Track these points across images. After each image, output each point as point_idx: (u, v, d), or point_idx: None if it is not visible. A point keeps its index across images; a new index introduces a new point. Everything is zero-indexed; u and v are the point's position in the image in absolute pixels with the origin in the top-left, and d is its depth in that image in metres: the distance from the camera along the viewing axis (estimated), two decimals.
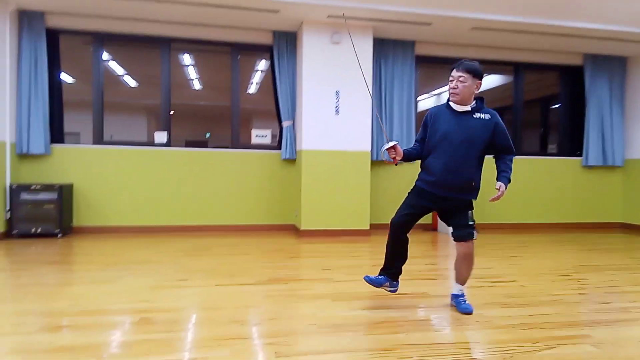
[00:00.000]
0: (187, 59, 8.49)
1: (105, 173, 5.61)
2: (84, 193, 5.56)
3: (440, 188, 2.71)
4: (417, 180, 2.84)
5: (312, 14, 5.29)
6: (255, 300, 3.01)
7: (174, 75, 6.09)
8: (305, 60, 5.55)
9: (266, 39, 5.93)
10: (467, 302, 2.84)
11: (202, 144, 11.61)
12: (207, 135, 13.76)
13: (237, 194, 5.98)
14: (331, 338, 2.36)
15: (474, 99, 2.72)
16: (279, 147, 6.14)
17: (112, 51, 7.57)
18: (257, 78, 9.51)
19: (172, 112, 2.03)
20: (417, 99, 6.51)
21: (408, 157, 2.84)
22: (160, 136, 5.87)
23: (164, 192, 5.78)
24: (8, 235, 5.08)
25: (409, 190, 2.87)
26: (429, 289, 3.38)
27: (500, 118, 2.74)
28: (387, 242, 2.88)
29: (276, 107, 6.08)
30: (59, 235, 5.15)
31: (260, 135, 6.27)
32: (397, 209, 2.84)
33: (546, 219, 6.82)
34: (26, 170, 5.40)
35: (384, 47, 6.09)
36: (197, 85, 10.80)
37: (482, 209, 6.49)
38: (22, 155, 5.36)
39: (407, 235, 2.84)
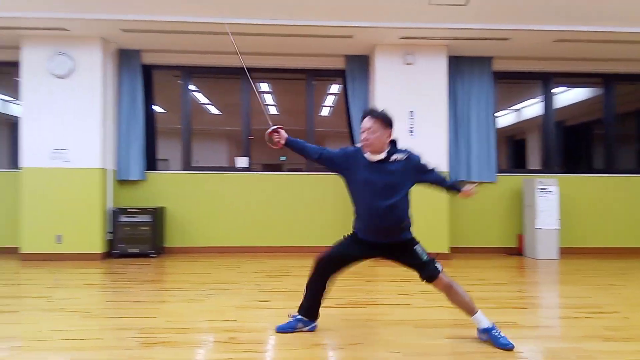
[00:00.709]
0: (264, 86, 8.91)
1: (192, 196, 5.99)
2: (174, 215, 5.97)
3: (372, 234, 2.67)
4: (353, 227, 2.80)
5: (384, 37, 5.35)
6: (335, 324, 3.02)
7: (252, 102, 6.40)
8: (378, 82, 5.60)
9: (339, 64, 6.07)
10: (503, 335, 2.57)
11: (277, 166, 12.04)
12: (282, 158, 14.19)
13: (312, 216, 6.08)
14: None
15: (391, 142, 2.65)
16: None
17: (197, 83, 8.16)
18: (329, 101, 9.72)
19: (251, 137, 2.16)
20: (496, 117, 6.27)
21: (294, 144, 2.79)
22: (242, 161, 6.16)
23: (245, 215, 6.03)
24: (109, 255, 5.56)
25: (346, 234, 2.83)
26: (518, 319, 3.18)
27: (414, 154, 2.69)
28: (308, 280, 2.81)
29: (349, 130, 6.16)
30: (153, 255, 5.55)
31: None
32: (328, 249, 2.80)
33: None
34: (124, 195, 5.92)
35: (459, 65, 5.97)
36: (273, 110, 11.25)
37: (575, 233, 6.03)
38: (121, 181, 5.89)
39: (331, 277, 2.77)
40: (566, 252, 5.83)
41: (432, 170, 2.73)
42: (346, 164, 2.71)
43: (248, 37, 5.32)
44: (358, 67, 5.97)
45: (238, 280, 4.36)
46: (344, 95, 6.20)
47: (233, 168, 6.17)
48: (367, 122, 2.57)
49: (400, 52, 5.57)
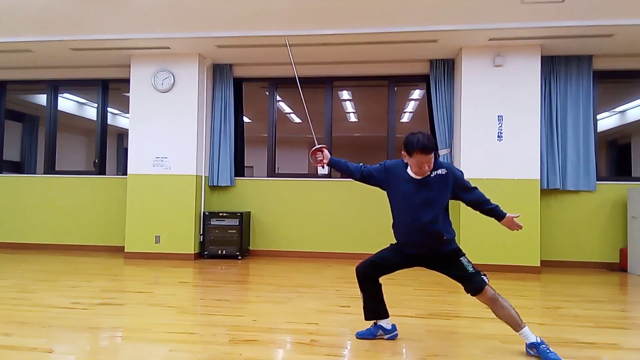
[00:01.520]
0: (345, 94, 9.04)
1: (276, 202, 6.24)
2: (259, 220, 6.26)
3: (413, 248, 2.67)
4: (396, 238, 2.79)
5: (471, 39, 5.19)
6: (416, 334, 2.98)
7: (334, 110, 6.52)
8: (465, 85, 5.43)
9: (423, 69, 5.99)
10: (552, 351, 2.44)
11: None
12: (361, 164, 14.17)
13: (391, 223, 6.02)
14: None
15: None
16: None
17: (281, 93, 8.49)
18: (410, 107, 9.60)
19: (318, 146, 2.19)
20: (597, 119, 5.77)
21: (337, 164, 2.84)
22: (322, 168, 6.29)
23: (325, 220, 6.16)
24: (200, 255, 5.97)
25: (394, 244, 2.80)
26: (620, 340, 2.91)
27: (455, 168, 2.67)
28: (359, 285, 2.82)
29: (432, 135, 6.03)
30: (239, 257, 5.86)
31: None
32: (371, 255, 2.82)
33: None
34: (215, 199, 6.33)
35: (554, 65, 5.60)
36: (353, 118, 11.36)
37: None
38: (213, 187, 6.30)
39: (376, 281, 2.79)
40: None
41: (474, 189, 2.68)
42: (387, 179, 2.74)
43: (331, 47, 5.44)
44: (443, 71, 5.84)
45: (319, 285, 4.46)
46: (427, 100, 6.09)
47: (314, 175, 6.33)
48: (428, 154, 2.49)
49: (489, 54, 5.36)
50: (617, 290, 4.51)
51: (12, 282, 4.34)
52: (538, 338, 2.53)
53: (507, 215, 2.66)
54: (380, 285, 2.83)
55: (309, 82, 6.46)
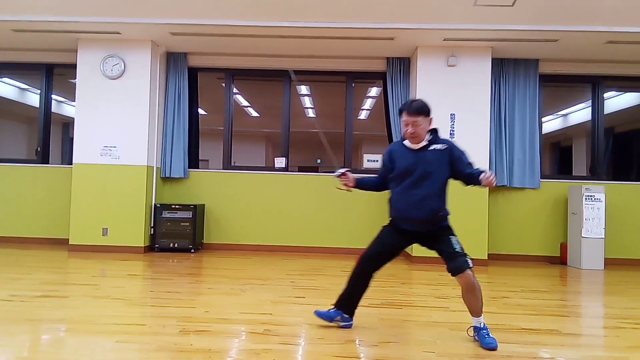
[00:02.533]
0: (303, 89, 9.03)
1: (232, 195, 6.14)
2: (213, 213, 6.13)
3: (408, 222, 2.70)
4: (390, 216, 2.81)
5: (427, 39, 5.31)
6: (369, 322, 3.02)
7: (292, 105, 6.49)
8: (420, 83, 5.56)
9: (380, 66, 6.07)
10: (491, 336, 2.56)
11: (313, 169, 12.12)
12: (318, 161, 14.28)
13: (347, 218, 6.09)
14: None
15: (429, 132, 2.69)
16: None
17: (238, 85, 8.37)
18: (367, 104, 9.73)
19: (343, 170, 2.21)
20: (542, 121, 6.08)
21: (362, 184, 2.92)
22: (280, 161, 6.26)
23: (280, 214, 6.12)
24: (151, 248, 5.78)
25: (384, 225, 2.82)
26: (560, 326, 3.07)
27: (457, 145, 2.70)
28: (351, 274, 2.83)
29: (388, 132, 6.14)
30: (192, 250, 5.72)
31: (372, 159, 6.36)
32: (369, 244, 2.81)
33: None
34: (167, 191, 6.14)
35: (504, 67, 5.84)
36: (311, 113, 11.38)
37: (622, 243, 5.77)
38: (165, 179, 6.11)
39: (372, 273, 2.81)
40: (612, 263, 5.58)
41: (471, 164, 2.69)
42: (392, 162, 2.78)
43: (289, 39, 5.41)
44: (399, 69, 5.96)
45: (273, 277, 4.43)
46: (384, 97, 6.19)
47: (271, 168, 6.28)
48: (412, 116, 2.61)
49: (443, 54, 5.52)
50: (558, 282, 4.77)
51: None
52: (483, 324, 2.61)
53: (482, 177, 2.55)
54: (368, 286, 2.84)
55: (267, 75, 6.40)
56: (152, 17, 4.99)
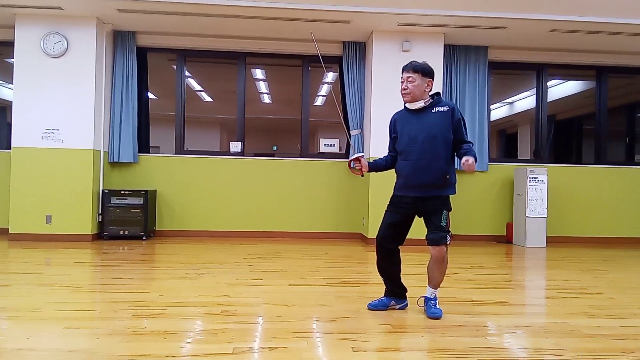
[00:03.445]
0: (259, 73, 8.89)
1: (185, 180, 5.98)
2: (166, 199, 5.95)
3: (414, 189, 2.66)
4: (394, 187, 2.80)
5: (382, 23, 5.36)
6: (328, 300, 3.05)
7: (247, 90, 6.38)
8: (375, 68, 5.61)
9: (336, 50, 6.07)
10: (437, 307, 2.70)
11: (270, 156, 12.03)
12: (274, 148, 14.20)
13: (305, 202, 6.10)
14: (407, 338, 2.35)
15: (430, 96, 2.70)
16: (346, 156, 6.21)
17: (190, 69, 8.11)
18: (324, 91, 9.73)
19: (356, 155, 2.14)
20: (490, 107, 6.31)
21: (375, 167, 2.86)
22: (235, 146, 6.15)
23: (237, 199, 6.04)
24: (99, 236, 5.54)
25: (388, 202, 2.81)
26: (507, 298, 3.24)
27: (459, 110, 2.69)
28: (376, 262, 2.83)
29: (344, 117, 6.17)
30: (144, 238, 5.53)
31: (329, 144, 6.38)
32: (379, 227, 2.79)
33: (634, 232, 6.27)
34: (116, 177, 5.89)
35: (455, 54, 6.00)
36: (266, 99, 11.24)
37: (562, 222, 6.14)
38: (113, 164, 5.85)
39: (397, 248, 2.80)
40: (553, 241, 5.93)
41: (463, 133, 2.65)
42: (396, 130, 2.77)
43: (244, 20, 5.29)
44: (355, 53, 5.98)
45: (230, 261, 4.38)
46: (340, 82, 6.20)
47: (226, 153, 6.16)
48: (406, 72, 2.66)
49: (398, 39, 5.59)
50: (504, 259, 5.02)
51: None
52: (434, 296, 2.72)
53: (468, 157, 2.55)
54: (398, 262, 2.82)
55: (221, 56, 6.24)
56: None
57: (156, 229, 5.92)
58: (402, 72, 2.70)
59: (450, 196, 2.70)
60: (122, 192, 5.53)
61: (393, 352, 2.16)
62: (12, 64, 5.36)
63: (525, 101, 8.83)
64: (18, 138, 5.31)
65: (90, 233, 5.36)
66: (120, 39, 5.78)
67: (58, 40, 5.30)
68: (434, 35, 5.61)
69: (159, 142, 8.46)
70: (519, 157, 9.55)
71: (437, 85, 5.64)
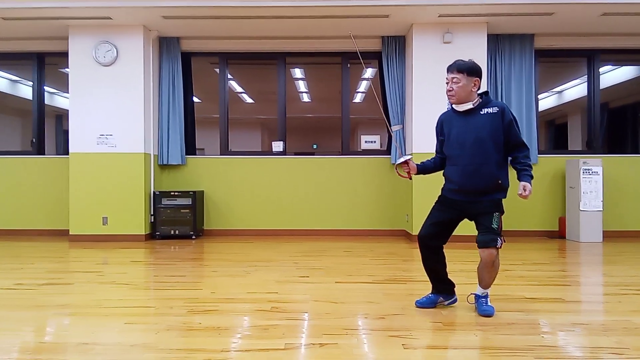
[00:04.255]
0: (298, 73, 8.96)
1: (230, 181, 6.13)
2: (212, 199, 6.13)
3: (465, 194, 2.57)
4: (442, 189, 2.72)
5: (422, 16, 5.27)
6: (375, 297, 3.05)
7: (286, 89, 6.45)
8: (416, 62, 5.53)
9: (375, 45, 6.03)
10: (489, 304, 2.61)
11: (310, 155, 12.08)
12: (314, 146, 14.26)
13: (347, 200, 6.11)
14: (459, 336, 2.31)
15: (479, 95, 2.57)
16: (388, 152, 6.16)
17: (231, 71, 8.28)
18: (362, 87, 9.68)
19: (404, 158, 2.12)
20: (538, 97, 6.07)
21: (424, 170, 2.78)
22: (277, 145, 6.24)
23: (280, 198, 6.13)
24: (152, 236, 5.78)
25: (436, 200, 2.73)
26: (563, 295, 3.12)
27: (510, 111, 2.54)
28: (422, 260, 2.77)
29: (384, 113, 6.12)
30: (193, 237, 5.72)
31: (370, 140, 6.35)
32: (423, 224, 2.72)
33: None
34: (165, 179, 6.12)
35: (499, 43, 5.82)
36: (306, 98, 11.31)
37: (619, 215, 5.83)
38: (162, 166, 6.08)
39: (441, 246, 2.71)
40: (610, 235, 5.64)
41: (520, 134, 2.55)
42: (444, 132, 2.67)
43: (283, 20, 5.35)
44: (394, 48, 5.92)
45: (276, 259, 4.45)
46: (380, 77, 6.16)
47: (268, 152, 6.26)
48: (451, 73, 2.55)
49: (439, 31, 5.48)
50: (557, 254, 4.82)
51: None
52: (486, 294, 2.63)
53: (524, 183, 2.50)
54: (442, 259, 2.74)
55: (261, 58, 6.34)
56: (142, 0, 4.91)
57: (204, 228, 6.10)
58: (447, 72, 2.57)
59: (502, 200, 2.59)
60: (172, 193, 5.74)
61: (445, 349, 2.13)
62: (66, 74, 5.67)
63: (575, 89, 8.42)
64: (75, 144, 5.62)
65: (144, 233, 5.60)
66: (165, 45, 5.99)
67: (108, 49, 5.56)
68: (476, 25, 5.46)
69: (203, 144, 8.71)
70: (569, 148, 9.12)
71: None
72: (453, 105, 2.62)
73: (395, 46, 5.92)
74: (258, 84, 9.94)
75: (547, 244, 5.42)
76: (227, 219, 6.13)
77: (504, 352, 2.07)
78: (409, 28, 5.63)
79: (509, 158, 2.60)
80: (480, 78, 2.57)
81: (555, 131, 10.33)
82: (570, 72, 8.05)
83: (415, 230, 5.46)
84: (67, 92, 5.67)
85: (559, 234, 5.86)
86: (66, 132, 5.77)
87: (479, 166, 2.50)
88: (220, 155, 6.24)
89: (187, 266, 4.19)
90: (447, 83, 2.57)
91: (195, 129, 6.44)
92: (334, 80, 6.69)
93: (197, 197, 5.76)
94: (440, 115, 2.76)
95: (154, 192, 5.76)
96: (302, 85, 10.02)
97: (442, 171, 2.75)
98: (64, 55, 5.78)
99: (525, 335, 2.28)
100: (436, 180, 5.40)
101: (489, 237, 2.51)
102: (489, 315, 2.56)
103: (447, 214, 2.65)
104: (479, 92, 2.59)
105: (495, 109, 2.52)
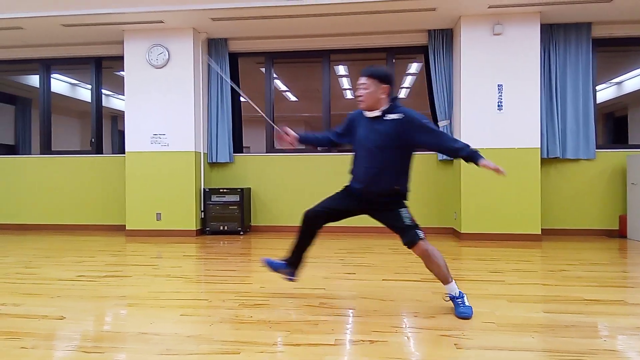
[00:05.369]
0: (341, 70, 8.95)
1: (276, 178, 6.22)
2: (259, 196, 6.25)
3: (368, 193, 2.66)
4: (350, 181, 2.80)
5: (471, 7, 5.12)
6: (424, 296, 3.01)
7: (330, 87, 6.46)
8: (464, 55, 5.38)
9: (421, 39, 5.92)
10: (466, 304, 2.53)
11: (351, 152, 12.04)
12: None
13: None
14: (514, 337, 2.24)
15: (391, 100, 2.59)
16: None
17: (276, 70, 8.39)
18: (407, 82, 9.54)
19: (280, 128, 2.18)
20: (596, 89, 5.75)
21: (306, 140, 2.92)
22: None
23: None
24: (202, 232, 5.97)
25: (342, 189, 2.83)
26: (626, 297, 2.95)
27: (417, 116, 2.53)
28: (298, 231, 2.84)
29: (431, 108, 6.01)
30: (241, 233, 5.86)
31: None
32: (321, 201, 2.83)
33: None
34: (214, 176, 6.30)
35: (553, 33, 5.56)
36: (349, 95, 11.28)
37: None
38: (212, 164, 6.27)
39: (317, 230, 2.82)
40: None
41: (437, 132, 2.53)
42: (352, 128, 2.75)
43: (328, 17, 5.36)
44: (441, 41, 5.78)
45: (322, 255, 4.48)
46: (426, 72, 6.05)
47: (313, 150, 6.30)
48: (361, 79, 2.58)
49: (488, 23, 5.31)
50: (618, 254, 4.57)
51: (15, 259, 4.33)
52: (459, 293, 2.58)
53: (483, 161, 2.45)
54: (313, 240, 2.87)
55: (306, 56, 6.38)
56: (192, 3, 5.07)
57: (251, 224, 6.23)
58: (360, 76, 2.62)
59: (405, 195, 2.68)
60: (221, 190, 5.91)
61: (500, 351, 2.07)
62: (120, 76, 5.95)
63: (635, 80, 7.92)
64: (130, 143, 5.89)
65: (195, 229, 5.80)
66: (214, 47, 6.15)
67: (161, 52, 5.78)
68: (529, 16, 5.25)
69: (249, 142, 8.88)
70: (630, 143, 8.59)
71: (535, 68, 5.27)
72: (365, 113, 2.65)
73: (442, 40, 5.79)
74: (302, 81, 10.02)
75: (606, 243, 5.14)
76: (273, 215, 6.24)
77: (563, 355, 1.99)
78: (457, 21, 5.49)
79: (442, 151, 2.60)
80: (392, 85, 2.58)
81: (614, 124, 9.76)
82: (630, 61, 7.58)
83: (464, 228, 5.35)
84: (121, 94, 5.95)
85: (619, 233, 5.54)
86: (120, 132, 6.05)
87: (380, 170, 2.57)
88: (266, 153, 6.35)
89: (237, 261, 4.30)
90: (357, 88, 2.61)
91: (242, 127, 6.58)
92: None
93: (244, 194, 5.90)
94: (351, 113, 2.80)
95: (203, 189, 5.95)
96: (345, 82, 10.01)
97: (326, 146, 2.97)
98: (119, 59, 6.07)
99: (585, 339, 2.18)
100: (486, 178, 5.25)
101: (410, 235, 2.58)
102: (467, 318, 2.48)
103: (346, 202, 2.76)
104: (391, 97, 2.60)
105: (399, 115, 2.53)
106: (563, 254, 4.49)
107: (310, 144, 2.98)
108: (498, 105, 5.29)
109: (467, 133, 5.36)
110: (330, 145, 2.92)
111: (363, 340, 2.19)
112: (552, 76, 5.55)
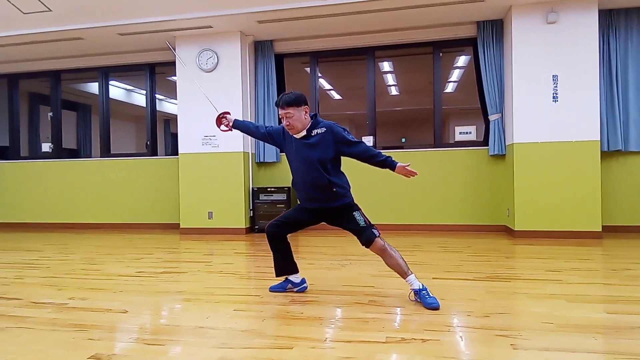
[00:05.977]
0: (386, 66, 8.87)
1: None
2: None
3: (311, 202, 2.83)
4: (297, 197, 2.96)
5: None
6: (477, 295, 2.93)
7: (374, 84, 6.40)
8: (516, 46, 5.19)
9: (469, 31, 5.77)
10: (431, 295, 2.64)
11: (398, 149, 11.90)
12: (403, 140, 14.01)
13: (441, 194, 5.93)
14: (575, 338, 2.14)
15: (311, 116, 2.78)
16: (485, 143, 5.86)
17: (320, 69, 8.43)
18: (454, 76, 9.30)
19: (221, 112, 2.20)
20: None
21: (238, 126, 3.10)
22: (368, 140, 6.23)
23: (371, 193, 6.12)
24: (251, 230, 6.11)
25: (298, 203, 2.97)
26: None
27: (339, 127, 2.75)
28: (269, 245, 2.99)
29: (481, 101, 5.83)
30: None
31: (464, 132, 6.09)
32: (281, 214, 3.01)
33: None
34: (262, 176, 6.43)
35: (613, 19, 5.25)
36: (394, 91, 11.15)
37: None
38: (259, 164, 6.40)
39: (284, 238, 2.95)
40: None
41: (357, 143, 2.76)
42: (282, 139, 2.91)
43: (372, 14, 5.33)
44: (491, 32, 5.60)
45: (370, 253, 4.38)
46: (475, 65, 5.88)
47: None
48: (284, 109, 2.70)
49: (541, 11, 5.09)
50: None
51: (80, 256, 4.61)
52: (421, 285, 2.68)
53: (398, 164, 2.76)
54: (289, 243, 2.98)
55: (350, 54, 6.37)
56: (239, 7, 5.20)
57: None
58: (279, 108, 2.74)
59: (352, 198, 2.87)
60: (269, 189, 6.02)
61: (560, 352, 1.98)
62: (172, 82, 6.18)
63: None
64: (183, 145, 6.12)
65: (244, 227, 5.95)
66: (260, 49, 6.28)
67: (210, 56, 5.96)
68: (585, 2, 4.98)
69: None
70: None
71: (593, 57, 5.00)
72: (292, 135, 2.78)
73: (491, 31, 5.60)
74: (346, 79, 10.00)
75: None
76: None
77: (629, 357, 1.88)
78: (508, 10, 5.30)
79: (363, 160, 2.83)
80: (307, 104, 2.75)
81: None
82: None
83: (518, 226, 5.17)
84: (174, 98, 6.18)
85: None
86: (173, 135, 6.30)
87: (315, 179, 2.74)
88: None
89: None
90: (281, 118, 2.73)
91: None
92: (423, 71, 6.51)
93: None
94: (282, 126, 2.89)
95: (252, 188, 6.08)
96: (390, 79, 9.90)
97: (253, 137, 3.15)
98: (172, 64, 6.32)
99: None
100: (542, 173, 5.06)
101: (366, 235, 2.76)
102: (436, 308, 2.56)
103: (301, 214, 2.91)
104: (311, 115, 2.79)
105: (323, 129, 2.73)
106: (626, 252, 4.24)
107: (242, 129, 3.14)
108: (553, 97, 5.06)
109: (520, 126, 5.16)
110: (257, 137, 3.08)
111: (415, 339, 2.17)
112: (612, 64, 5.24)
